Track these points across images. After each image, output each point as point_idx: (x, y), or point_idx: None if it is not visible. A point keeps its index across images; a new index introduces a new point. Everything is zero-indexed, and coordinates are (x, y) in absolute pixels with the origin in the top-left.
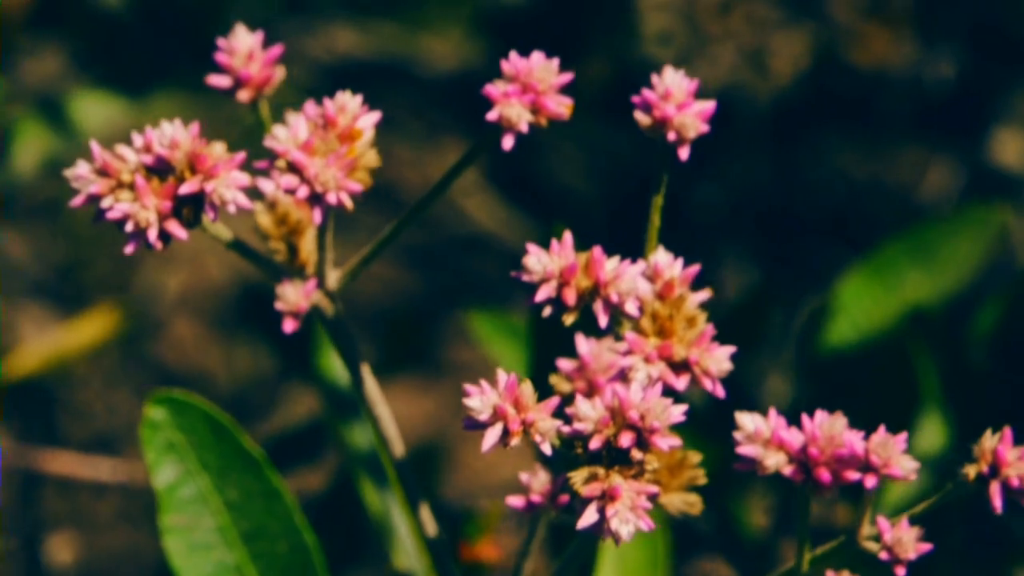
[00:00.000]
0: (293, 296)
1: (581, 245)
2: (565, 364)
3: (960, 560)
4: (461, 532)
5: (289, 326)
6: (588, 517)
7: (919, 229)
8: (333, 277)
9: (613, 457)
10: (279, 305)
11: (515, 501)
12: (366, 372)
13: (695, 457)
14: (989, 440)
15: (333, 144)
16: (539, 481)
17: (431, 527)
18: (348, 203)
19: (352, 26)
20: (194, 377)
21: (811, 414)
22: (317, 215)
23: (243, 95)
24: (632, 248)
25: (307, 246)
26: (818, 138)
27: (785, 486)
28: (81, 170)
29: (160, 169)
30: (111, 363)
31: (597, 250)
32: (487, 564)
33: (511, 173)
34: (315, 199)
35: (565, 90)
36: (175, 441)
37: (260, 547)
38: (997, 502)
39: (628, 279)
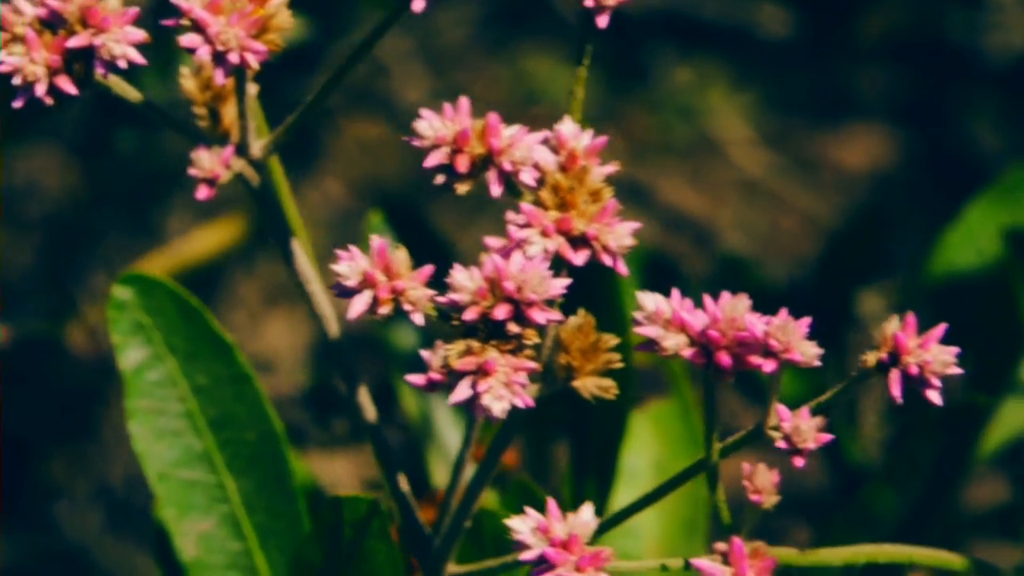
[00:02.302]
0: (208, 163)
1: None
2: (492, 241)
3: None
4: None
5: (203, 193)
6: (460, 392)
7: None
8: (257, 146)
9: (491, 331)
10: (193, 171)
11: (415, 379)
12: (297, 248)
13: (610, 340)
14: (890, 325)
15: (243, 3)
16: (439, 357)
17: (370, 411)
18: (253, 64)
19: None
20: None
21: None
22: (219, 76)
23: None
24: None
25: (231, 113)
26: None
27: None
28: None
29: (54, 23)
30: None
31: (493, 116)
32: (504, 468)
33: (774, 119)
34: (218, 59)
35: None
36: (142, 322)
37: (228, 434)
38: (896, 391)
39: (524, 147)
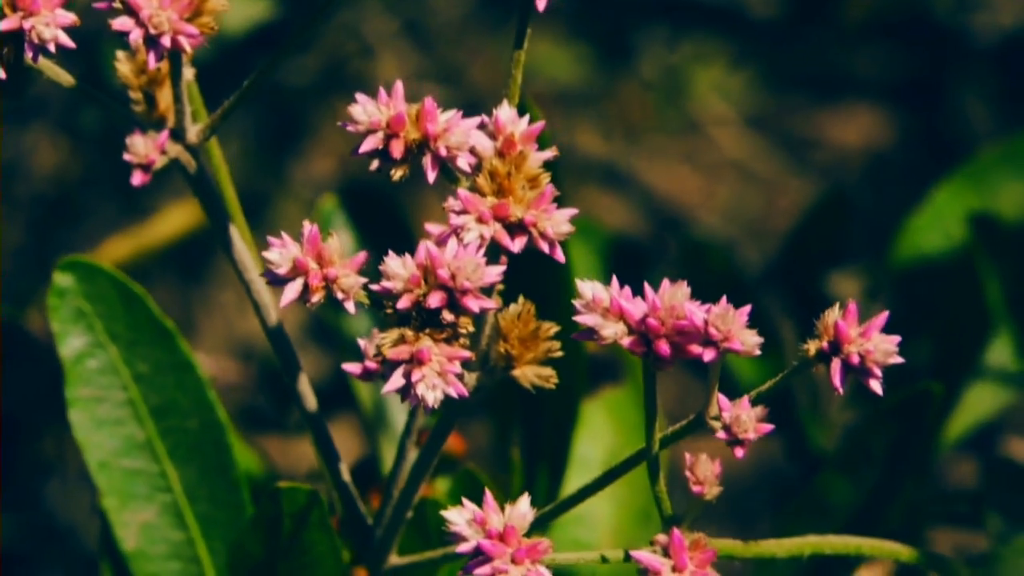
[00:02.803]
0: (143, 148)
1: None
2: (432, 228)
3: None
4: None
5: (137, 179)
6: (394, 382)
7: (1017, 137)
8: (193, 131)
9: (425, 319)
10: (127, 156)
11: (351, 368)
12: (235, 235)
13: (551, 328)
14: (831, 314)
15: None
16: (374, 346)
17: (310, 400)
18: (186, 47)
19: None
20: None
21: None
22: (152, 59)
23: None
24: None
25: (167, 98)
26: None
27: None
28: None
29: None
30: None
31: (428, 100)
32: (452, 455)
33: (766, 98)
34: (150, 42)
35: None
36: (83, 309)
37: (170, 423)
38: (837, 380)
39: (460, 132)
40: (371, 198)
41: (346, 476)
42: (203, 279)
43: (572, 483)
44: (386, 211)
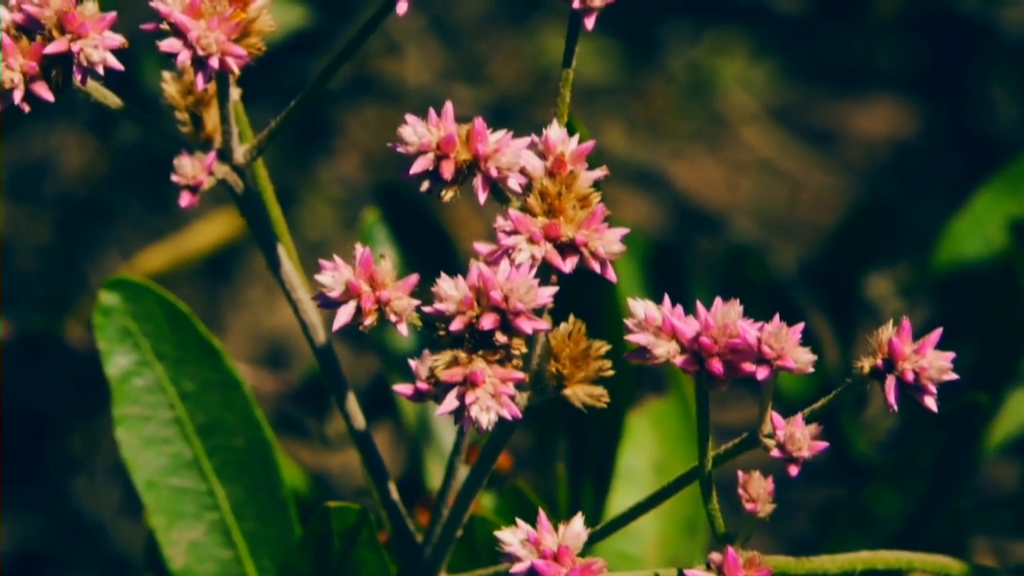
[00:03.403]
0: (190, 169)
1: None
2: (481, 247)
3: None
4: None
5: (185, 200)
6: (448, 404)
7: None
8: (240, 151)
9: (478, 341)
10: (175, 178)
11: (402, 389)
12: (283, 255)
13: (601, 347)
14: (885, 331)
15: (223, 7)
16: (426, 368)
17: (359, 420)
18: (234, 69)
19: None
20: None
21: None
22: (200, 81)
23: None
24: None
25: (213, 118)
26: None
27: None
28: None
29: (31, 28)
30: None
31: (479, 121)
32: (498, 469)
33: (791, 91)
34: (198, 64)
35: None
36: (129, 328)
37: (217, 441)
38: (891, 397)
39: (510, 153)
40: (408, 204)
41: (395, 495)
42: (230, 275)
43: (617, 494)
44: (423, 216)
